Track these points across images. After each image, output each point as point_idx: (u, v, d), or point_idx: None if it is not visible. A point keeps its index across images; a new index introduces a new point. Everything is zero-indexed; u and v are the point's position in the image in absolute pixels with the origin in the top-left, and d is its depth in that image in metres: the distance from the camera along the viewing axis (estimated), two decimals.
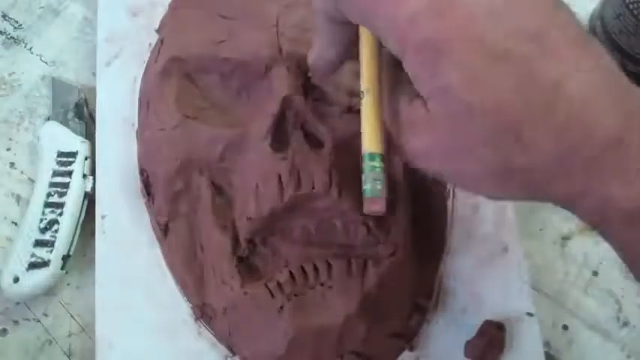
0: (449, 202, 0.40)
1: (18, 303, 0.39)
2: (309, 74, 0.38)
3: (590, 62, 0.23)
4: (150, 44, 0.44)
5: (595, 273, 0.40)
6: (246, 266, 0.36)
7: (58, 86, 0.45)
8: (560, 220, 0.41)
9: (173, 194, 0.38)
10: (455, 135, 0.25)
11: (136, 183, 0.40)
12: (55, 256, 0.38)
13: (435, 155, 0.26)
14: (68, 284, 0.40)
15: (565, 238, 0.41)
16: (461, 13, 0.23)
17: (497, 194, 0.27)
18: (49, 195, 0.40)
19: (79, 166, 0.41)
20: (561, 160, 0.23)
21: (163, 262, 0.38)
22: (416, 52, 0.24)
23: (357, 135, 0.37)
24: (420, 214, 0.38)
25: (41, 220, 0.39)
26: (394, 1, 0.24)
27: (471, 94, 0.23)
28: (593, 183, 0.23)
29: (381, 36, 0.26)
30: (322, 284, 0.35)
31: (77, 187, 0.40)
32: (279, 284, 0.35)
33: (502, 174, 0.25)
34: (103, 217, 0.39)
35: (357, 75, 0.30)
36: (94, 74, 0.44)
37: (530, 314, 0.37)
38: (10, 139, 0.44)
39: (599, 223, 0.25)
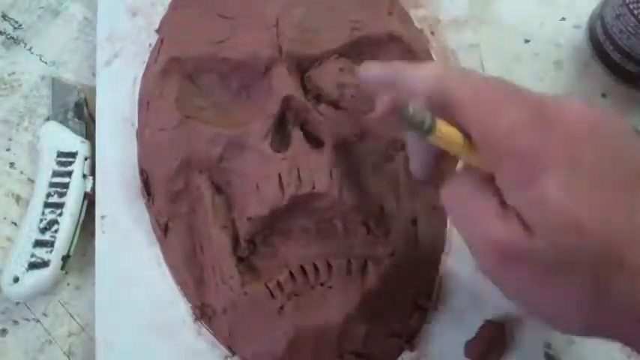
0: None
1: (18, 303, 0.39)
2: (307, 74, 0.38)
3: None
4: (150, 44, 0.44)
5: None
6: (246, 266, 0.36)
7: (57, 86, 0.45)
8: None
9: (173, 194, 0.38)
10: (554, 248, 0.23)
11: (136, 183, 0.40)
12: (55, 256, 0.38)
13: (526, 268, 0.25)
14: (68, 284, 0.40)
15: None
16: (563, 131, 0.24)
17: (580, 326, 0.26)
18: (48, 195, 0.40)
19: (78, 166, 0.41)
20: None
21: (163, 262, 0.38)
22: (514, 160, 0.24)
23: (357, 135, 0.38)
24: (420, 214, 0.38)
25: (41, 221, 0.39)
26: (493, 111, 0.25)
27: (575, 209, 0.23)
28: None
29: (477, 146, 0.26)
30: (322, 284, 0.35)
31: (77, 187, 0.40)
32: (279, 284, 0.35)
33: (597, 300, 0.24)
34: (103, 217, 0.39)
35: (343, 70, 0.30)
36: (93, 74, 0.44)
37: None
38: (10, 139, 0.44)
39: None
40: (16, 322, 0.39)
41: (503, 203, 0.25)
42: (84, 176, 0.41)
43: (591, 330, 0.26)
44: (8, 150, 0.44)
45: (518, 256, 0.25)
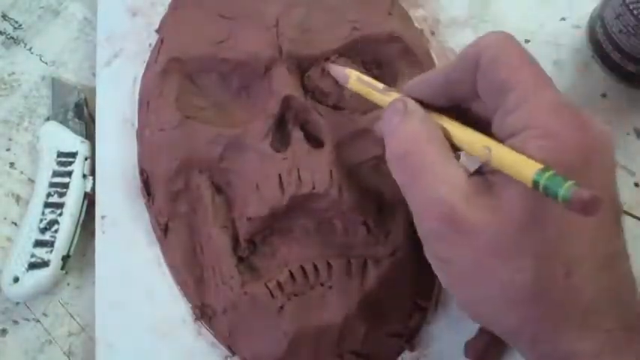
0: None
1: (18, 303, 0.39)
2: (307, 74, 0.38)
3: None
4: (150, 44, 0.44)
5: None
6: (246, 266, 0.36)
7: (57, 86, 0.45)
8: None
9: (173, 194, 0.38)
10: (507, 237, 0.25)
11: (136, 183, 0.40)
12: (55, 256, 0.38)
13: (473, 239, 0.26)
14: (68, 284, 0.40)
15: None
16: None
17: (501, 322, 0.27)
18: (48, 195, 0.40)
19: (78, 166, 0.41)
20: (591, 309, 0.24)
21: (163, 262, 0.38)
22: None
23: (357, 135, 0.38)
24: None
25: (41, 220, 0.39)
26: None
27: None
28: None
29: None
30: (322, 284, 0.35)
31: (77, 187, 0.40)
32: (279, 284, 0.35)
33: (532, 299, 0.25)
34: (103, 217, 0.39)
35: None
36: (93, 74, 0.44)
37: None
38: (10, 139, 0.44)
39: None
40: (16, 322, 0.39)
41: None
42: (84, 176, 0.41)
43: (510, 326, 0.26)
44: (8, 150, 0.44)
45: (464, 226, 0.25)
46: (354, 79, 0.34)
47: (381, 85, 0.33)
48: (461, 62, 0.28)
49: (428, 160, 0.27)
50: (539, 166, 0.23)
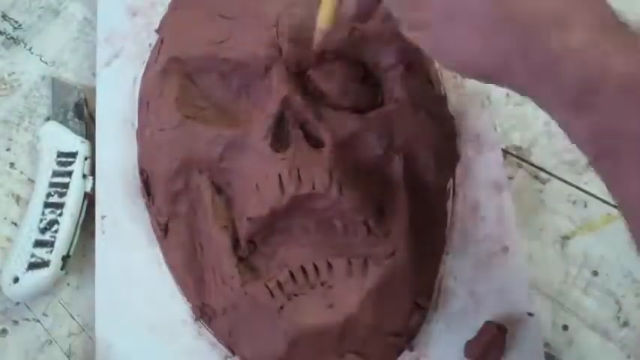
0: (449, 202, 0.40)
1: (18, 303, 0.39)
2: (307, 74, 0.38)
3: None
4: (150, 44, 0.44)
5: (595, 273, 0.40)
6: (246, 266, 0.36)
7: (57, 86, 0.45)
8: (560, 220, 0.41)
9: (173, 194, 0.38)
10: None
11: (136, 183, 0.40)
12: (55, 256, 0.38)
13: None
14: (68, 284, 0.40)
15: (565, 238, 0.41)
16: None
17: (482, 52, 0.26)
18: (48, 195, 0.40)
19: (78, 166, 0.41)
20: (567, 10, 0.23)
21: (163, 262, 0.38)
22: None
23: (357, 135, 0.38)
24: (420, 214, 0.38)
25: (41, 221, 0.39)
26: None
27: None
28: (593, 42, 0.23)
29: None
30: (322, 284, 0.35)
31: (77, 187, 0.40)
32: (279, 284, 0.35)
33: (498, 17, 0.24)
34: (103, 217, 0.39)
35: None
36: (93, 74, 0.44)
37: (530, 314, 0.37)
38: (10, 139, 0.44)
39: (589, 93, 0.23)
40: (16, 322, 0.39)
41: None
42: (84, 176, 0.40)
43: (493, 55, 0.25)
44: (8, 150, 0.44)
45: None
46: None
47: None
48: None
49: None
50: None
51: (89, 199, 0.40)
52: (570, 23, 0.23)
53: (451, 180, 0.40)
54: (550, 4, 0.24)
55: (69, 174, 0.40)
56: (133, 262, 0.38)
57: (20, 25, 0.48)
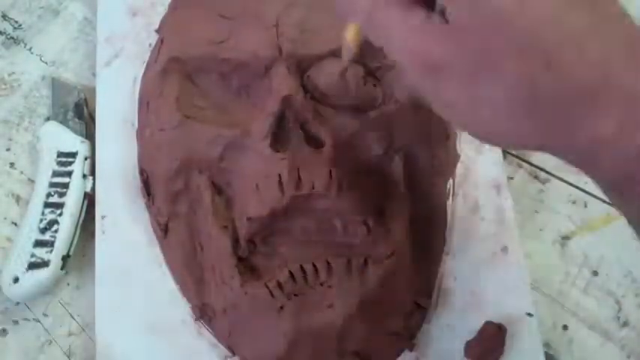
0: (449, 202, 0.40)
1: (18, 303, 0.39)
2: (307, 74, 0.38)
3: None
4: (150, 44, 0.44)
5: (595, 273, 0.40)
6: (246, 266, 0.36)
7: (57, 86, 0.45)
8: (560, 220, 0.41)
9: (173, 194, 0.38)
10: (481, 44, 0.23)
11: (136, 183, 0.40)
12: (55, 256, 0.38)
13: (452, 72, 0.24)
14: (68, 284, 0.40)
15: (565, 238, 0.41)
16: None
17: (510, 133, 0.25)
18: (48, 195, 0.40)
19: (78, 166, 0.41)
20: (596, 89, 0.22)
21: (163, 262, 0.38)
22: None
23: (357, 135, 0.38)
24: (420, 214, 0.38)
25: (41, 220, 0.39)
26: None
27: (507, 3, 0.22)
28: (627, 132, 0.21)
29: None
30: (322, 284, 0.35)
31: (77, 187, 0.40)
32: (279, 284, 0.35)
33: (525, 101, 0.23)
34: (103, 217, 0.39)
35: None
36: (93, 74, 0.44)
37: (530, 314, 0.37)
38: (10, 139, 0.44)
39: (627, 177, 0.22)
40: (16, 322, 0.39)
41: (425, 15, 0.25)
42: (84, 176, 0.41)
43: (522, 136, 0.25)
44: (8, 150, 0.44)
45: (441, 62, 0.24)
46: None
47: None
48: None
49: (392, 14, 0.26)
50: None
51: (89, 199, 0.40)
52: (600, 105, 0.22)
53: (451, 180, 0.40)
54: (575, 80, 0.22)
55: (69, 174, 0.40)
56: (133, 262, 0.38)
57: (20, 25, 0.48)
